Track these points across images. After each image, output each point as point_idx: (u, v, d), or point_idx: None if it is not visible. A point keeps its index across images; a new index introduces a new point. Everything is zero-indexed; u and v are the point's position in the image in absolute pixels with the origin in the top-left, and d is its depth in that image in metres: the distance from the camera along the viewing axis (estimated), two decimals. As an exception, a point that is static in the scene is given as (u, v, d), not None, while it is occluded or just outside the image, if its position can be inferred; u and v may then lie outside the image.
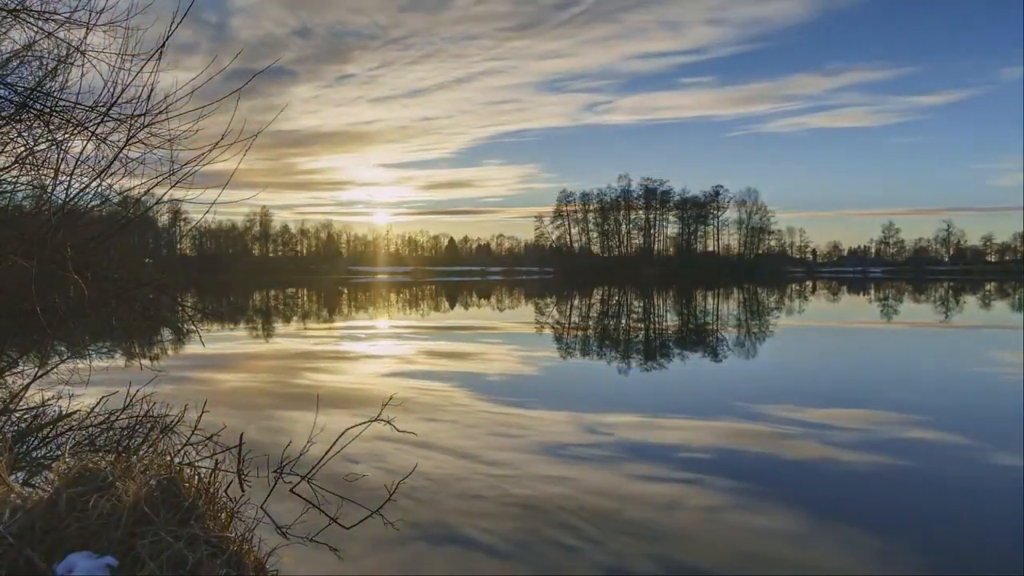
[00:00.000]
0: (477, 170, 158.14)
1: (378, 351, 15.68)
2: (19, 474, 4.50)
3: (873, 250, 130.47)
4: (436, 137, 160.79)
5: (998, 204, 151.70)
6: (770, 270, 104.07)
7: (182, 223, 76.52)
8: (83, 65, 5.13)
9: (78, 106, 5.07)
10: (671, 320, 26.32)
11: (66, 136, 5.17)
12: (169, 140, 5.11)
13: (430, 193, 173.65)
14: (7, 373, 6.56)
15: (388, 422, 5.74)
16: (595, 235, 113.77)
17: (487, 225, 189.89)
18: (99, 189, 5.27)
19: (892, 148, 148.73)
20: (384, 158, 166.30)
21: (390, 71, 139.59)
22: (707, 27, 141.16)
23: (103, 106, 4.95)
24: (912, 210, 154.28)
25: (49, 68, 5.41)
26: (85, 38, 5.11)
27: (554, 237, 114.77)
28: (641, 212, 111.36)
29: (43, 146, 5.39)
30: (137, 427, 6.05)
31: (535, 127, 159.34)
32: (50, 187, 5.37)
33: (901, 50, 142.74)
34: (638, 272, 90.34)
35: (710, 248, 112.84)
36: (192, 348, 15.39)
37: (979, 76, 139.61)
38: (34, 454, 5.27)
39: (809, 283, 70.40)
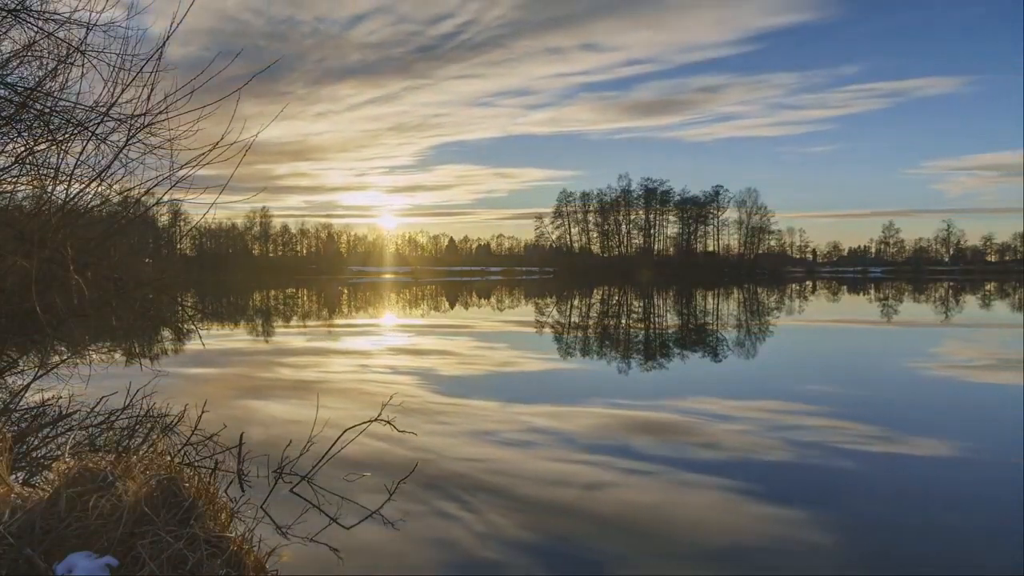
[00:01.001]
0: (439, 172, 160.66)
1: (378, 351, 15.68)
2: (19, 474, 4.50)
3: (873, 250, 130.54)
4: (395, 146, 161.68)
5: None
6: (770, 270, 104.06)
7: (182, 223, 76.58)
8: (83, 65, 5.13)
9: (78, 106, 5.08)
10: (671, 320, 26.32)
11: (66, 136, 5.17)
12: (169, 140, 5.11)
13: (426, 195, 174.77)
14: (7, 373, 6.56)
15: (388, 422, 5.75)
16: (595, 235, 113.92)
17: (488, 225, 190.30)
18: (99, 189, 5.28)
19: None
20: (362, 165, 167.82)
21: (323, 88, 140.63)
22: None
23: (103, 106, 4.95)
24: (913, 210, 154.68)
25: (49, 68, 5.41)
26: (85, 38, 5.11)
27: (554, 237, 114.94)
28: (641, 212, 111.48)
29: (43, 146, 5.39)
30: (137, 427, 6.05)
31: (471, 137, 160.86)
32: (50, 187, 5.37)
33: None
34: (638, 272, 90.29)
35: (710, 248, 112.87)
36: (192, 348, 15.38)
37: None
38: (34, 454, 5.27)
39: (809, 283, 70.38)
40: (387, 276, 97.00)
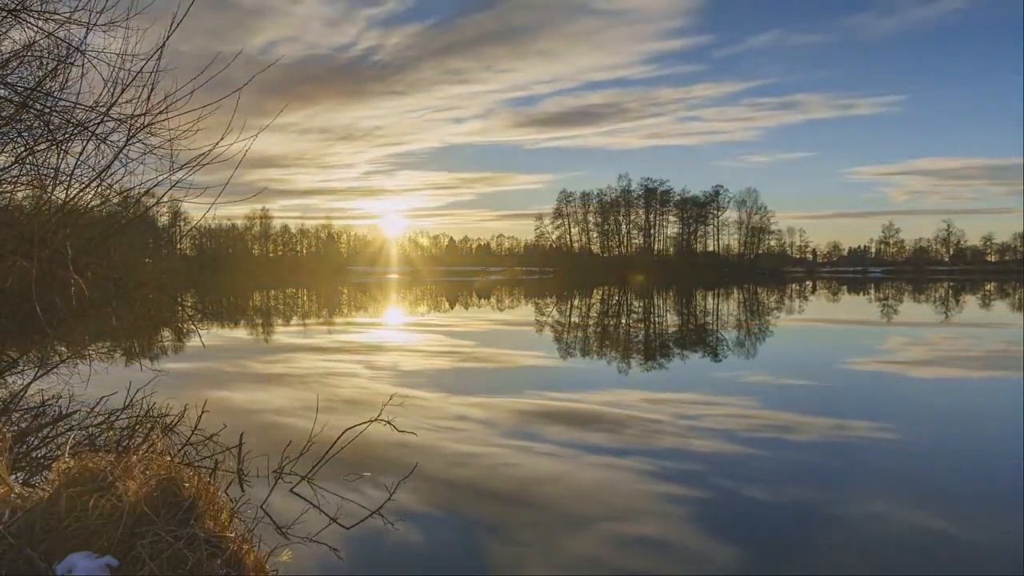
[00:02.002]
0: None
1: (378, 351, 15.67)
2: (19, 474, 4.50)
3: (873, 250, 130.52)
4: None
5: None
6: (770, 270, 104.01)
7: (182, 223, 76.54)
8: (83, 65, 5.12)
9: (78, 106, 5.07)
10: (671, 320, 26.32)
11: (66, 136, 5.17)
12: (169, 140, 5.11)
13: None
14: (7, 373, 6.56)
15: (388, 422, 5.75)
16: (595, 235, 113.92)
17: (487, 225, 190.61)
18: (99, 189, 5.27)
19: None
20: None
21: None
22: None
23: (103, 106, 4.94)
24: (912, 210, 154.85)
25: (49, 68, 5.40)
26: (85, 38, 5.10)
27: (554, 237, 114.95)
28: (641, 212, 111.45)
29: (43, 146, 5.38)
30: (137, 427, 6.05)
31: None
32: (50, 187, 5.37)
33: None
34: (638, 272, 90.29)
35: (710, 248, 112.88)
36: (192, 348, 15.38)
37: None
38: (34, 454, 5.27)
39: (809, 283, 70.38)
40: (388, 276, 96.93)
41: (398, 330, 21.91)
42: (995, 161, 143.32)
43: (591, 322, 25.59)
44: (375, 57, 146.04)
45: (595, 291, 51.80)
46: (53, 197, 5.32)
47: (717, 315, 28.32)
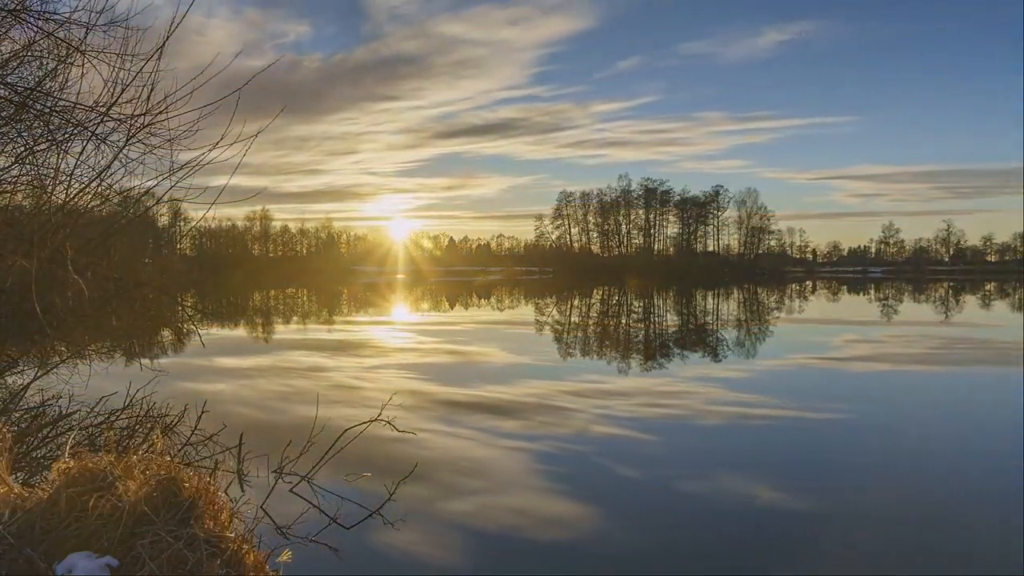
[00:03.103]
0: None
1: (378, 350, 15.68)
2: (19, 474, 4.50)
3: (873, 250, 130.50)
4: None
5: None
6: (770, 270, 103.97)
7: (182, 223, 76.52)
8: (83, 65, 5.12)
9: (78, 106, 5.06)
10: (670, 320, 26.32)
11: (66, 136, 5.17)
12: (169, 140, 5.10)
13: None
14: (7, 373, 6.56)
15: (388, 422, 5.74)
16: (595, 235, 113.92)
17: (487, 225, 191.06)
18: (99, 189, 5.27)
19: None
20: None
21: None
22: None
23: (103, 106, 4.94)
24: (912, 211, 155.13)
25: (49, 68, 5.40)
26: (85, 38, 5.10)
27: (554, 237, 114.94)
28: (641, 212, 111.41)
29: (43, 146, 5.38)
30: (137, 427, 6.05)
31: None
32: (50, 187, 5.36)
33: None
34: (638, 272, 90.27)
35: (710, 248, 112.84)
36: (192, 348, 15.38)
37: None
38: (34, 454, 5.27)
39: (809, 283, 70.38)
40: (388, 276, 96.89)
41: (398, 330, 21.91)
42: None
43: (590, 323, 25.58)
44: (293, 78, 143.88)
45: (595, 291, 51.80)
46: (53, 197, 5.32)
47: (716, 315, 28.33)
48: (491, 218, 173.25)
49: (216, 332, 20.14)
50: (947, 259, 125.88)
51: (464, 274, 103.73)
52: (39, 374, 6.35)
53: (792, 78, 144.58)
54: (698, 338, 18.96)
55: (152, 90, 4.82)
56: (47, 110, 5.12)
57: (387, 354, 15.08)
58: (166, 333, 16.39)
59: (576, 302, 38.74)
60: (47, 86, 5.26)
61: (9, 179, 5.69)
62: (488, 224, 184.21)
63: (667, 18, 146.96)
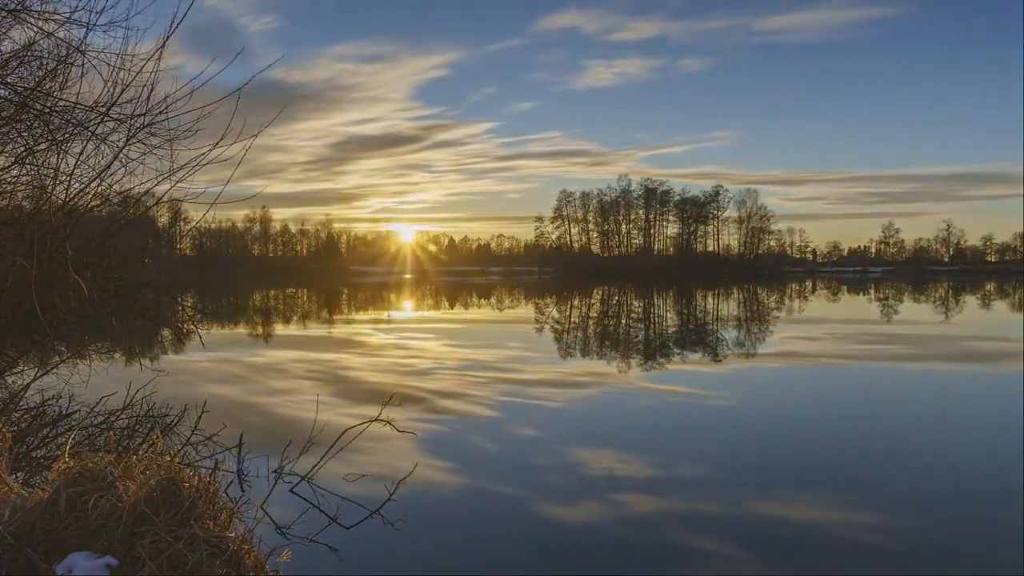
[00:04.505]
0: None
1: (378, 350, 15.68)
2: (19, 474, 4.50)
3: (873, 250, 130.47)
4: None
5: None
6: (770, 270, 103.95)
7: (182, 223, 76.43)
8: (83, 65, 5.12)
9: (78, 106, 5.06)
10: (670, 321, 26.32)
11: (66, 136, 5.17)
12: (169, 140, 5.11)
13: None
14: (7, 373, 6.56)
15: (388, 422, 5.74)
16: (595, 235, 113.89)
17: (487, 225, 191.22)
18: (99, 189, 5.27)
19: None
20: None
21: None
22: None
23: (103, 106, 4.94)
24: (912, 211, 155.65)
25: (49, 68, 5.40)
26: (85, 38, 5.10)
27: (554, 237, 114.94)
28: (641, 212, 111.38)
29: (43, 146, 5.38)
30: (137, 427, 6.05)
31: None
32: (50, 187, 5.37)
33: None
34: (638, 272, 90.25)
35: (710, 248, 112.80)
36: (192, 348, 15.38)
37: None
38: (34, 454, 5.27)
39: (809, 283, 70.41)
40: (389, 276, 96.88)
41: (400, 330, 21.91)
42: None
43: (591, 324, 25.59)
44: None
45: (595, 291, 51.82)
46: (53, 197, 5.32)
47: (717, 315, 28.34)
48: (492, 218, 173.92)
49: (216, 332, 20.14)
50: (947, 259, 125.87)
51: (464, 274, 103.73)
52: (39, 374, 6.35)
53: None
54: (698, 338, 18.97)
55: (152, 90, 4.83)
56: (47, 110, 5.13)
57: (386, 354, 15.09)
58: (166, 333, 16.40)
59: (576, 302, 38.75)
60: (47, 86, 5.26)
61: (9, 179, 5.69)
62: (488, 224, 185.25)
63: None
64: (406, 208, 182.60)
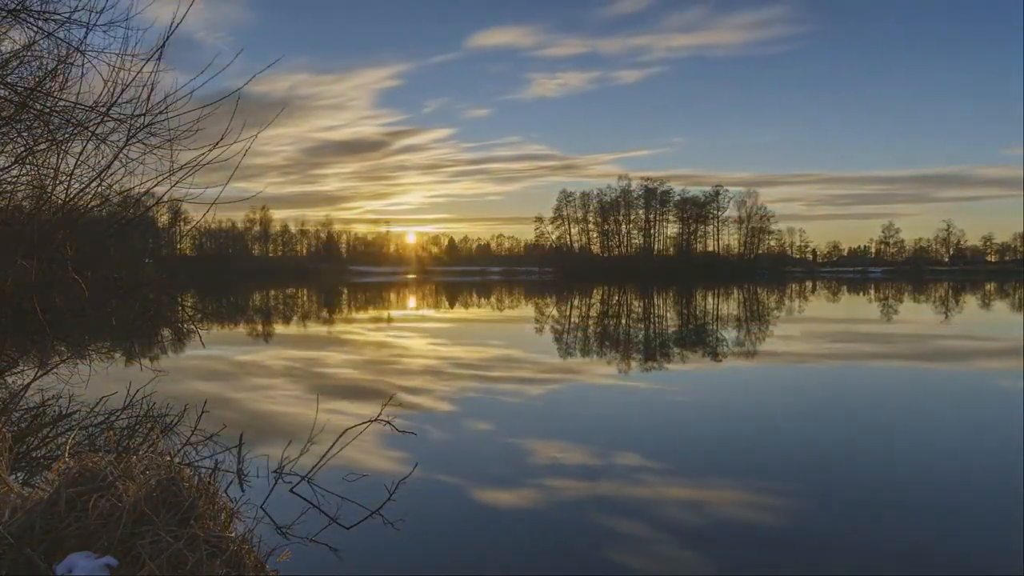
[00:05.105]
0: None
1: (379, 350, 15.68)
2: (19, 474, 4.50)
3: (873, 250, 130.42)
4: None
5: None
6: (770, 270, 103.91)
7: (182, 223, 76.38)
8: (83, 65, 5.12)
9: (78, 106, 5.06)
10: (670, 321, 26.32)
11: (66, 136, 5.17)
12: (169, 140, 5.10)
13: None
14: (7, 373, 6.56)
15: (388, 422, 5.74)
16: (595, 235, 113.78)
17: (487, 225, 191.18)
18: (99, 189, 5.27)
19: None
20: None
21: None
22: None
23: (103, 106, 4.94)
24: (912, 211, 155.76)
25: (49, 68, 5.40)
26: (85, 38, 5.10)
27: (554, 237, 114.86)
28: (641, 212, 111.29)
29: (43, 146, 5.38)
30: (137, 427, 6.05)
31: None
32: (50, 187, 5.36)
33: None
34: (638, 272, 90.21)
35: (710, 248, 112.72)
36: (192, 348, 15.38)
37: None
38: (34, 454, 5.27)
39: (809, 283, 70.39)
40: (386, 277, 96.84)
41: (400, 330, 21.91)
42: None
43: (589, 324, 25.58)
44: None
45: (595, 291, 51.81)
46: (53, 197, 5.32)
47: (716, 316, 28.34)
48: (491, 219, 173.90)
49: (216, 332, 20.14)
50: (947, 259, 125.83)
51: (465, 274, 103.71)
52: (39, 374, 6.34)
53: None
54: (698, 338, 18.97)
55: (152, 90, 4.83)
56: (47, 110, 5.12)
57: (387, 354, 15.09)
58: (166, 333, 16.40)
59: (576, 302, 38.75)
60: (47, 86, 5.26)
61: (9, 179, 5.69)
62: (472, 225, 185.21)
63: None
64: (392, 210, 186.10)
